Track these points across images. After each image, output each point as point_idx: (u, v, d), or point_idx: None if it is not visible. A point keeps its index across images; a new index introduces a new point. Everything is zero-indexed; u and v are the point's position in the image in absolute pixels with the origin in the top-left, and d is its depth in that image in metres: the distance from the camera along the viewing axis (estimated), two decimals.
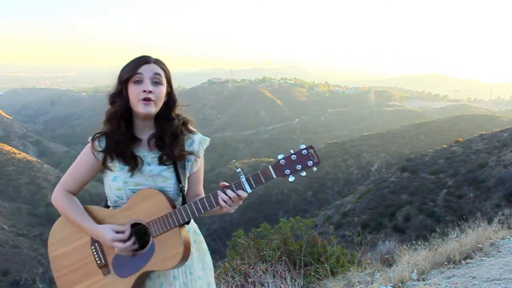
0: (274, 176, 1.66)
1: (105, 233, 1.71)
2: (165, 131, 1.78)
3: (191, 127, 1.86)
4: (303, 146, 1.67)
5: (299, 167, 1.66)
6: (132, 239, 1.72)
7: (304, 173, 1.67)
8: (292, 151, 1.68)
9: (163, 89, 1.75)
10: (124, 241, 1.70)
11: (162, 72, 1.75)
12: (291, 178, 1.67)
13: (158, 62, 1.76)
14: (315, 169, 1.67)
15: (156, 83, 1.72)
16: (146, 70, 1.71)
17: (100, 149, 1.76)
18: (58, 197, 1.81)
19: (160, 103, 1.75)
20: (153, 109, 1.72)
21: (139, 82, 1.71)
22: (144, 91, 1.69)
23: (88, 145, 1.79)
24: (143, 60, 1.73)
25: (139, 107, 1.71)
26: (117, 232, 1.71)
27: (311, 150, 1.66)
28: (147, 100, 1.70)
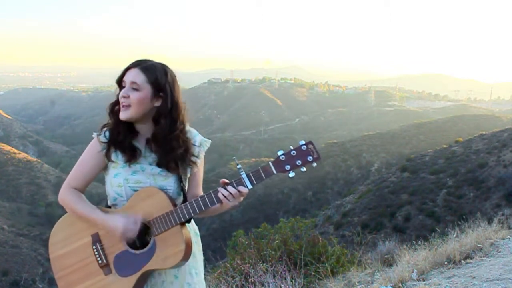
0: (275, 172, 1.68)
1: (117, 220, 1.72)
2: (156, 138, 1.78)
3: (189, 129, 1.86)
4: (303, 142, 1.69)
5: (299, 162, 1.67)
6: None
7: (304, 169, 1.69)
8: (291, 147, 1.70)
9: (139, 94, 1.72)
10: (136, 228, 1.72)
11: (141, 78, 1.72)
12: (292, 174, 1.68)
13: (143, 68, 1.74)
14: (315, 164, 1.68)
15: (133, 89, 1.72)
16: (127, 77, 1.74)
17: (104, 140, 1.79)
18: (65, 194, 1.82)
19: (138, 109, 1.73)
20: (129, 114, 1.73)
21: (123, 88, 1.76)
22: (124, 96, 1.73)
23: (93, 140, 1.82)
24: (129, 67, 1.76)
25: (119, 113, 1.75)
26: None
27: (311, 146, 1.68)
28: (123, 106, 1.73)
